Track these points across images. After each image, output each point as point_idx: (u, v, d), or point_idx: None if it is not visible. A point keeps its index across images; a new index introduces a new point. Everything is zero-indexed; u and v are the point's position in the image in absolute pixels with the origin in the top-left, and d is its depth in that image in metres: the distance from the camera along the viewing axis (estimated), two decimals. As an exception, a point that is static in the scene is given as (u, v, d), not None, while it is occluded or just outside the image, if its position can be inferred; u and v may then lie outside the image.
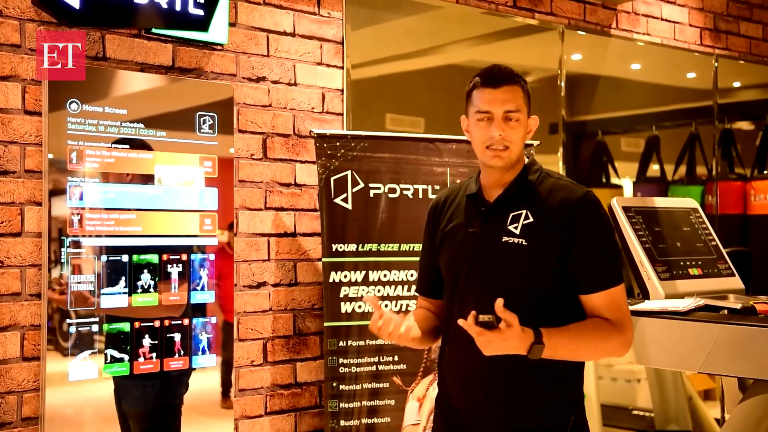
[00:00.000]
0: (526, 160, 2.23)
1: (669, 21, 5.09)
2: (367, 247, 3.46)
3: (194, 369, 3.26)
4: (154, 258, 3.17)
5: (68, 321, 2.98)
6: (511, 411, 2.11)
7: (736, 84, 5.77)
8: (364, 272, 3.45)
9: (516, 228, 2.13)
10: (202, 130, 3.33)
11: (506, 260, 2.12)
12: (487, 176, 2.22)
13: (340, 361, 3.40)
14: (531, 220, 2.12)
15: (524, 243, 2.10)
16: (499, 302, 1.93)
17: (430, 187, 3.57)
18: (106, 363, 3.05)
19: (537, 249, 2.10)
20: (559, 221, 2.10)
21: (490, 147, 2.13)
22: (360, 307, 3.44)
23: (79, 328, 3.00)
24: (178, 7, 3.17)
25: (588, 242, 2.10)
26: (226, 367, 3.38)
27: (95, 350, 3.04)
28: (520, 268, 2.11)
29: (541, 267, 2.11)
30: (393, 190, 3.52)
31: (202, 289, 3.29)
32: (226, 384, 3.38)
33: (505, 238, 2.12)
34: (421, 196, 3.55)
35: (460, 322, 1.96)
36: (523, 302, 2.08)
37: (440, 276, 2.30)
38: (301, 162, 3.64)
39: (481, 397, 2.14)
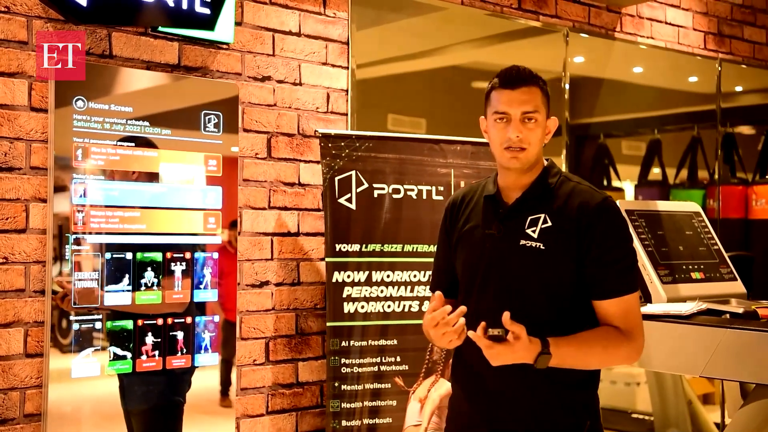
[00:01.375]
0: (546, 163, 2.23)
1: (673, 25, 5.10)
2: (371, 247, 3.47)
3: (194, 367, 3.26)
4: (157, 256, 3.17)
5: (71, 318, 2.98)
6: (529, 412, 2.12)
7: (739, 88, 5.77)
8: (367, 272, 3.45)
9: (534, 231, 2.12)
10: (207, 129, 3.33)
11: (523, 263, 2.12)
12: (505, 178, 2.21)
13: (342, 361, 3.40)
14: (549, 224, 2.12)
15: (542, 247, 2.10)
16: (506, 315, 1.93)
17: (433, 188, 3.58)
18: (109, 360, 3.06)
19: (554, 253, 2.09)
20: (578, 226, 2.10)
21: (508, 148, 2.12)
22: (363, 307, 3.45)
23: (83, 326, 3.01)
24: (184, 6, 3.18)
25: (605, 248, 2.09)
26: (226, 366, 3.38)
27: (98, 347, 3.04)
28: (536, 271, 2.11)
29: (558, 271, 2.10)
30: (397, 191, 3.53)
31: (205, 287, 3.29)
32: (225, 383, 3.38)
33: (522, 242, 2.12)
34: (424, 197, 3.56)
35: (470, 334, 1.96)
36: (538, 305, 2.09)
37: (455, 275, 2.29)
38: (305, 162, 3.64)
39: (498, 397, 2.14)
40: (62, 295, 2.97)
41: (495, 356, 1.96)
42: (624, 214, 3.29)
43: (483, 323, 1.96)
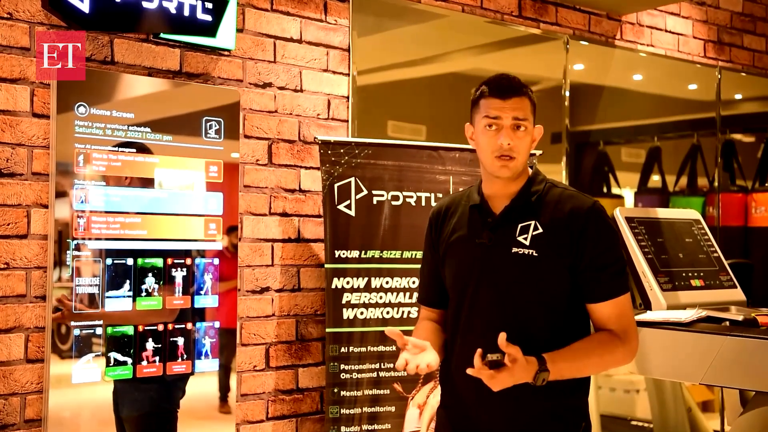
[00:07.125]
0: (530, 171, 2.23)
1: (673, 33, 5.11)
2: (370, 253, 3.47)
3: (194, 373, 3.25)
4: (158, 262, 3.18)
5: (72, 324, 2.99)
6: (524, 418, 2.12)
7: (739, 96, 5.78)
8: (366, 279, 3.46)
9: (525, 239, 2.12)
10: (208, 135, 3.34)
11: (517, 271, 2.12)
12: (492, 186, 2.21)
13: (342, 367, 3.40)
14: (540, 230, 2.12)
15: (535, 254, 2.10)
16: (502, 337, 1.92)
17: (432, 195, 3.58)
18: (109, 366, 3.06)
19: (548, 259, 2.10)
20: (570, 231, 2.11)
21: (499, 157, 2.13)
22: (362, 313, 3.45)
23: (83, 331, 3.01)
24: (186, 13, 3.19)
25: (597, 253, 2.11)
26: (225, 372, 3.38)
27: (99, 353, 3.05)
28: (531, 278, 2.11)
29: (552, 277, 2.11)
30: (396, 198, 3.54)
31: (206, 293, 3.30)
32: (224, 389, 3.38)
33: (515, 249, 2.12)
34: (423, 203, 3.56)
35: (469, 371, 1.95)
36: (533, 312, 2.09)
37: (443, 286, 2.28)
38: (306, 168, 3.65)
39: (492, 405, 2.13)
40: (61, 307, 2.97)
41: (497, 384, 1.95)
42: (624, 221, 3.32)
43: (479, 350, 1.94)
